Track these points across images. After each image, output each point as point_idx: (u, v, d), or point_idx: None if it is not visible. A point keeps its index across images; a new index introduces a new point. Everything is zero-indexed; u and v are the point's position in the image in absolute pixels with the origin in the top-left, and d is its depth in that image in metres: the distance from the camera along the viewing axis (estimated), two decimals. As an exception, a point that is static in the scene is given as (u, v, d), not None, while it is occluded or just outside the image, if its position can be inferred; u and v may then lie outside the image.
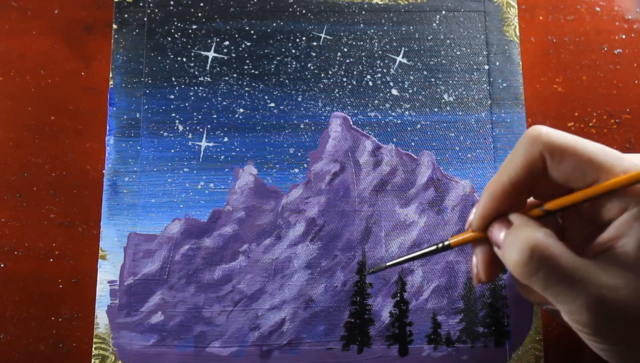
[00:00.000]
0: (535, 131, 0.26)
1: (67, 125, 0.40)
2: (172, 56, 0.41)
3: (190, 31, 0.41)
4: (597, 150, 0.25)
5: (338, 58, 0.41)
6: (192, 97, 0.40)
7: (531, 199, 0.30)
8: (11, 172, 0.40)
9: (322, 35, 0.41)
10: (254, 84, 0.41)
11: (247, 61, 0.41)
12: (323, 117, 0.40)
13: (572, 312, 0.25)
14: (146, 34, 0.41)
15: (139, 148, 0.39)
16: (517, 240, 0.25)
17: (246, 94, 0.40)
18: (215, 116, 0.40)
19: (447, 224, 0.39)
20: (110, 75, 0.40)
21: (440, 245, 0.30)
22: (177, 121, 0.40)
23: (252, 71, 0.41)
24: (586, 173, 0.25)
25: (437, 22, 0.42)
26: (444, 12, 0.42)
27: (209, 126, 0.40)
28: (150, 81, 0.40)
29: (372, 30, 0.42)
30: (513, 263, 0.25)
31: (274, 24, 0.41)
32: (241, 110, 0.40)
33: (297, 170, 0.39)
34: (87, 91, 0.41)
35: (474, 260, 0.29)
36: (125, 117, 0.40)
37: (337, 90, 0.41)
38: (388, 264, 0.33)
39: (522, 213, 0.27)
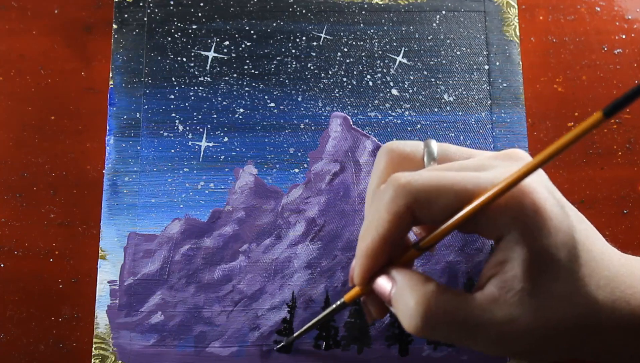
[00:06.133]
0: (396, 181, 0.24)
1: (67, 125, 0.40)
2: (172, 56, 0.41)
3: (190, 31, 0.41)
4: (463, 182, 0.24)
5: (338, 58, 0.41)
6: (192, 97, 0.40)
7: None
8: (11, 172, 0.40)
9: (322, 35, 0.41)
10: (254, 84, 0.41)
11: (247, 61, 0.41)
12: (323, 117, 0.40)
13: (482, 350, 0.25)
14: (146, 34, 0.41)
15: (139, 148, 0.39)
16: (407, 306, 0.24)
17: (246, 94, 0.40)
18: (215, 116, 0.40)
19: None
20: (110, 75, 0.40)
21: (338, 303, 0.30)
22: (177, 121, 0.40)
23: (252, 71, 0.41)
24: (457, 208, 0.24)
25: (437, 22, 0.42)
26: (444, 12, 0.42)
27: (209, 126, 0.40)
28: (150, 81, 0.40)
29: (372, 30, 0.42)
30: (410, 329, 0.25)
31: (274, 24, 0.41)
32: (241, 110, 0.40)
33: (297, 170, 0.39)
34: (87, 91, 0.41)
35: (362, 300, 0.29)
36: (125, 117, 0.40)
37: (337, 90, 0.41)
38: (296, 334, 0.33)
39: (402, 263, 0.26)
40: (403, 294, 0.25)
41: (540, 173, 0.25)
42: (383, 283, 0.26)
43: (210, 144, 0.40)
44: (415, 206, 0.24)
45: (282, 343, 0.36)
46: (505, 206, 0.23)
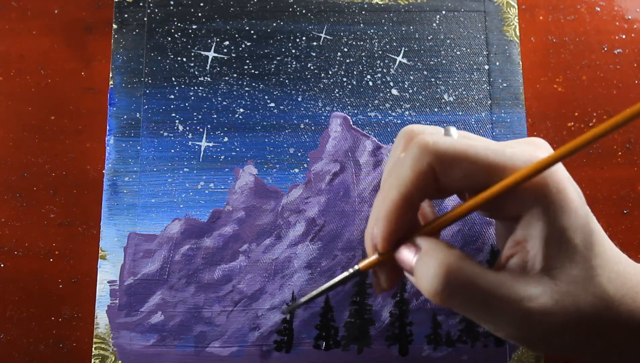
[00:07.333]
0: (422, 141, 0.25)
1: (67, 125, 0.40)
2: (172, 56, 0.41)
3: (190, 31, 0.41)
4: (488, 153, 0.24)
5: (338, 58, 0.41)
6: (192, 97, 0.40)
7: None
8: (11, 172, 0.40)
9: (322, 35, 0.41)
10: (254, 84, 0.41)
11: (247, 61, 0.41)
12: (323, 117, 0.40)
13: (498, 329, 0.25)
14: (146, 34, 0.41)
15: (139, 148, 0.39)
16: (429, 268, 0.24)
17: (246, 94, 0.40)
18: (215, 116, 0.40)
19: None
20: (110, 75, 0.40)
21: (352, 270, 0.28)
22: (177, 121, 0.40)
23: (252, 71, 0.41)
24: (478, 178, 0.24)
25: (437, 22, 0.42)
26: (444, 12, 0.42)
27: (209, 126, 0.40)
28: (150, 81, 0.40)
29: (372, 30, 0.42)
30: (429, 292, 0.24)
31: (274, 24, 0.41)
32: (241, 110, 0.40)
33: (297, 170, 0.39)
34: (87, 91, 0.41)
35: (371, 270, 0.28)
36: (125, 117, 0.40)
37: (337, 90, 0.41)
38: (303, 300, 0.30)
39: (426, 232, 0.26)
40: (425, 259, 0.25)
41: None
42: (406, 252, 0.26)
43: (210, 144, 0.40)
44: (439, 167, 0.24)
45: (289, 308, 0.34)
46: (530, 183, 0.24)
